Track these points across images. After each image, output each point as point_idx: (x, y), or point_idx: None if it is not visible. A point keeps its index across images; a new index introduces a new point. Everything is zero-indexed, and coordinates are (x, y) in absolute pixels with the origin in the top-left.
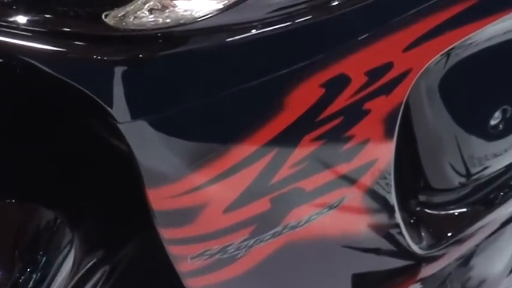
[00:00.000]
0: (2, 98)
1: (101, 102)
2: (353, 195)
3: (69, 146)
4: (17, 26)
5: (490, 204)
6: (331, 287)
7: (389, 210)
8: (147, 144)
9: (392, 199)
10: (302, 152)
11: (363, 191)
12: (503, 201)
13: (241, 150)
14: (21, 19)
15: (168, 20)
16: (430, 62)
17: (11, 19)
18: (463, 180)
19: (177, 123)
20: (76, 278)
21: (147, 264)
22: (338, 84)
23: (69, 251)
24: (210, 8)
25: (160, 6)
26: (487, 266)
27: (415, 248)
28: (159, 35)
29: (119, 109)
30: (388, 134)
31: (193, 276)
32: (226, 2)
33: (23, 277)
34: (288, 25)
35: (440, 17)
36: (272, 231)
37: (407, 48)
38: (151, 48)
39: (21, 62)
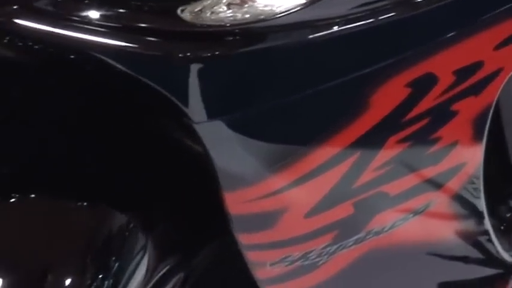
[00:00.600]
0: (72, 98)
1: (176, 101)
2: (440, 201)
3: (143, 148)
4: (89, 21)
5: None
6: None
7: (478, 216)
8: (223, 146)
9: (482, 205)
10: (387, 154)
11: (450, 196)
12: None
13: (323, 153)
14: (94, 14)
15: (247, 16)
16: None
17: (83, 14)
18: None
19: (256, 124)
20: (150, 285)
21: (224, 271)
22: (425, 83)
23: (143, 256)
24: (291, 3)
25: (239, 1)
26: None
27: (505, 256)
28: (238, 31)
29: (195, 108)
30: (477, 137)
31: (272, 283)
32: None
33: (95, 283)
34: (373, 21)
35: None
36: (355, 237)
37: (498, 47)
38: (230, 45)
39: (93, 59)
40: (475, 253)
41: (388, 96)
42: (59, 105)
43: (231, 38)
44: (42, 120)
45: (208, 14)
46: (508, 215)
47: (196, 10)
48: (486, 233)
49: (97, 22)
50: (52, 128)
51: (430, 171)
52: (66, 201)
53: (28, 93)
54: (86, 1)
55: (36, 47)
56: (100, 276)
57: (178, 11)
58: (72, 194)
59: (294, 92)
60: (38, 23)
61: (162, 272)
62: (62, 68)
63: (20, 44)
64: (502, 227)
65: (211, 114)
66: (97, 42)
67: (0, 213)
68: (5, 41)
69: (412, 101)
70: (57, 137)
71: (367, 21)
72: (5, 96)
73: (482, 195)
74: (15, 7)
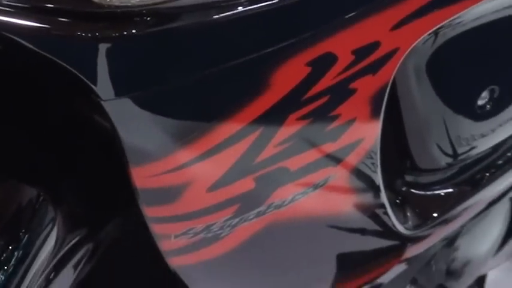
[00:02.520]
0: None
1: (85, 79)
2: (338, 175)
3: (53, 125)
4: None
5: (477, 185)
6: (316, 267)
7: (375, 190)
8: (130, 122)
9: (378, 179)
10: (287, 131)
11: (348, 171)
12: (490, 181)
13: (226, 129)
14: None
15: None
16: (417, 41)
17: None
18: (449, 160)
19: (162, 101)
20: (59, 256)
21: (130, 242)
22: (324, 62)
23: (52, 228)
24: None
25: None
26: (472, 247)
27: (400, 228)
28: (145, 11)
29: (103, 86)
30: (375, 114)
31: (177, 254)
32: None
33: (4, 254)
34: (274, 3)
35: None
36: (256, 211)
37: (394, 27)
38: (137, 26)
39: (3, 39)
40: (372, 225)
41: (288, 75)
42: None
43: (138, 19)
44: None
45: (111, 2)
46: (404, 188)
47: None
48: (382, 206)
49: (7, 2)
50: None
51: (329, 147)
52: None
53: None
54: None
55: None
56: (10, 247)
57: None
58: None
59: (198, 71)
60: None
61: (71, 244)
62: None
63: None
64: (397, 201)
65: (119, 92)
66: (8, 22)
67: None
68: None
69: (311, 79)
70: None
71: (269, 2)
72: None
73: (379, 169)
74: None
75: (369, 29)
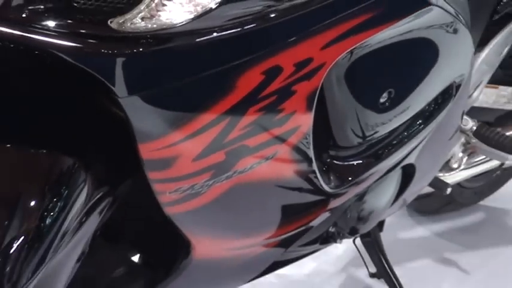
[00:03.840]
0: (39, 81)
1: (106, 82)
2: (283, 150)
3: (86, 116)
4: (48, 28)
5: (379, 158)
6: (268, 214)
7: (309, 161)
8: (138, 112)
9: (311, 153)
10: (248, 119)
11: (290, 147)
12: (387, 155)
13: (205, 117)
14: (51, 23)
15: (154, 26)
16: (339, 57)
17: (44, 23)
18: (360, 140)
19: (160, 98)
20: (88, 206)
21: (137, 197)
22: (274, 72)
23: (84, 187)
24: (184, 18)
25: (149, 16)
26: (375, 201)
27: (326, 187)
28: (148, 36)
29: (119, 87)
30: (309, 108)
31: (170, 205)
32: (196, 13)
33: (51, 205)
34: (238, 30)
35: (345, 26)
36: (226, 175)
37: (323, 48)
38: (143, 45)
39: (51, 55)
40: (306, 185)
41: (249, 80)
42: (31, 85)
43: (144, 41)
44: (16, 92)
45: (128, 24)
46: (328, 160)
47: (120, 22)
48: (313, 172)
49: (54, 29)
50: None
51: (277, 131)
52: (37, 149)
53: (9, 73)
54: (46, 14)
55: (12, 46)
56: (54, 199)
57: (108, 22)
58: (41, 145)
59: (185, 77)
60: (14, 29)
61: (96, 197)
62: (31, 59)
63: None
64: (324, 168)
65: (130, 92)
66: (55, 42)
67: None
68: None
69: (265, 83)
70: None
71: (234, 30)
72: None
73: (311, 146)
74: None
75: (305, 49)
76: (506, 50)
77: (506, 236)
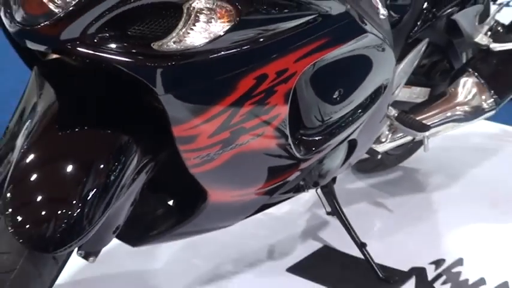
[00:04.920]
0: (107, 88)
1: (150, 85)
2: (269, 130)
3: (138, 108)
4: (112, 49)
5: (332, 135)
6: (259, 173)
7: (286, 137)
8: (171, 105)
9: (287, 132)
10: (245, 109)
11: (273, 128)
12: (339, 133)
13: (216, 108)
14: (114, 45)
15: (182, 47)
16: (306, 67)
17: (109, 45)
18: (320, 123)
19: (186, 95)
20: (138, 168)
21: (172, 162)
22: (262, 78)
23: (135, 155)
24: (201, 42)
25: (178, 40)
26: (330, 163)
27: (297, 155)
28: (178, 54)
29: (159, 88)
30: (286, 101)
31: (193, 167)
32: (209, 38)
33: (114, 167)
34: (238, 50)
35: (310, 47)
36: (230, 147)
37: (295, 61)
38: (174, 60)
39: (115, 67)
40: (284, 153)
41: (245, 83)
42: (102, 86)
43: (175, 57)
44: (94, 95)
45: (165, 46)
46: (299, 136)
47: (159, 44)
48: (289, 144)
49: (116, 50)
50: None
51: (264, 117)
52: (106, 129)
53: (88, 83)
54: (110, 40)
55: (88, 61)
56: (116, 163)
57: (152, 45)
58: (109, 127)
59: (202, 81)
60: (89, 50)
61: (143, 163)
62: (101, 70)
63: (80, 59)
64: (296, 142)
65: (166, 91)
66: (116, 59)
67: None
68: (73, 58)
69: (256, 85)
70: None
71: (236, 50)
72: (79, 81)
73: (287, 127)
74: (78, 42)
75: (283, 62)
76: (416, 62)
77: (416, 185)
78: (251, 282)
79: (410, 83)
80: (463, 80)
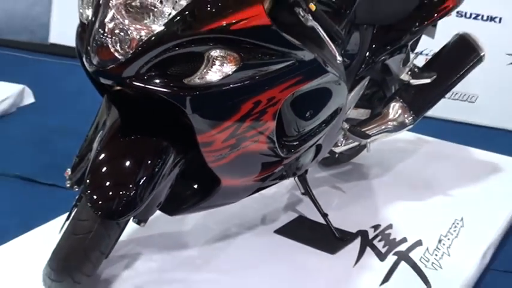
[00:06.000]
0: (154, 107)
1: (182, 107)
2: (262, 138)
3: (174, 123)
4: (156, 84)
5: (305, 141)
6: (255, 167)
7: (273, 142)
8: (197, 121)
9: (274, 139)
10: (246, 124)
11: (265, 136)
12: (309, 140)
13: (226, 123)
14: (157, 81)
15: (204, 82)
16: (287, 96)
17: (154, 81)
18: (297, 133)
19: (207, 114)
20: (173, 163)
21: (196, 159)
22: (258, 103)
23: (171, 155)
24: (216, 78)
25: (201, 77)
26: (304, 160)
27: (282, 154)
28: (201, 86)
29: (188, 109)
30: (274, 118)
31: (211, 163)
32: (222, 76)
33: (161, 162)
34: (242, 84)
35: (289, 83)
36: (236, 149)
37: (280, 92)
38: (198, 91)
39: (159, 96)
40: (272, 153)
41: (246, 106)
42: (151, 109)
43: (200, 88)
44: (144, 115)
45: (192, 81)
46: (282, 141)
47: (188, 80)
48: (276, 147)
49: (159, 84)
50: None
51: (259, 129)
52: (153, 137)
53: (140, 106)
54: (155, 77)
55: (140, 91)
56: (170, 160)
57: (183, 80)
58: (155, 135)
59: (217, 105)
60: (141, 84)
61: (176, 160)
62: (149, 97)
63: (135, 90)
64: (280, 146)
65: (193, 111)
66: (160, 90)
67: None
68: (130, 90)
69: (253, 108)
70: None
71: (240, 84)
72: (134, 104)
73: (275, 135)
74: (133, 79)
75: (272, 93)
76: (361, 92)
77: (361, 175)
78: (249, 239)
79: (357, 106)
80: (392, 104)
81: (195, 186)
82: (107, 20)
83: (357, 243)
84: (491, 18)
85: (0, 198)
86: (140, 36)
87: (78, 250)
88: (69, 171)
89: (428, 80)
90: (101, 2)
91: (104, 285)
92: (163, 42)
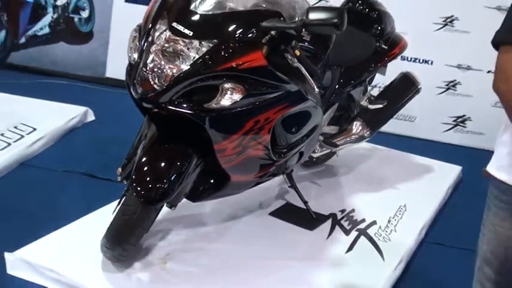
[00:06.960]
0: (181, 124)
1: (202, 124)
2: (260, 146)
3: (195, 134)
4: (183, 107)
5: (292, 148)
6: (255, 168)
7: (268, 149)
8: (213, 134)
9: (269, 147)
10: (249, 136)
11: (262, 146)
12: (295, 148)
13: (235, 136)
14: (184, 105)
15: (219, 106)
16: (279, 116)
17: (182, 105)
18: (285, 143)
19: (221, 129)
20: (195, 165)
21: (212, 161)
22: (258, 121)
23: (193, 158)
24: (228, 104)
25: (217, 103)
26: (290, 162)
27: (274, 159)
28: (217, 109)
29: (207, 125)
30: (269, 133)
31: (223, 164)
32: (231, 102)
33: (187, 164)
34: (246, 108)
35: (280, 107)
36: (241, 155)
37: (274, 113)
38: (214, 113)
39: (187, 117)
40: (268, 158)
41: (249, 124)
42: (178, 125)
43: (216, 111)
44: (175, 129)
45: (210, 106)
46: (275, 149)
47: (207, 105)
48: (270, 153)
49: (186, 107)
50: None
51: (258, 140)
52: (179, 145)
53: (172, 123)
54: (182, 102)
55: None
56: (185, 162)
57: (204, 105)
58: (180, 143)
59: (226, 123)
60: (173, 107)
61: (197, 162)
62: (179, 117)
63: (168, 111)
64: (274, 152)
65: (210, 127)
66: (187, 112)
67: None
68: (165, 112)
69: (254, 125)
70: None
71: (245, 107)
72: (168, 122)
73: (269, 144)
74: (168, 103)
75: (268, 114)
76: (332, 114)
77: (332, 173)
78: (250, 219)
79: (329, 124)
80: (355, 122)
81: (212, 181)
82: (148, 61)
83: (328, 223)
84: (425, 61)
85: (69, 189)
86: (172, 73)
87: (126, 227)
88: (120, 169)
89: (381, 106)
90: (144, 48)
91: (144, 252)
92: (189, 78)
